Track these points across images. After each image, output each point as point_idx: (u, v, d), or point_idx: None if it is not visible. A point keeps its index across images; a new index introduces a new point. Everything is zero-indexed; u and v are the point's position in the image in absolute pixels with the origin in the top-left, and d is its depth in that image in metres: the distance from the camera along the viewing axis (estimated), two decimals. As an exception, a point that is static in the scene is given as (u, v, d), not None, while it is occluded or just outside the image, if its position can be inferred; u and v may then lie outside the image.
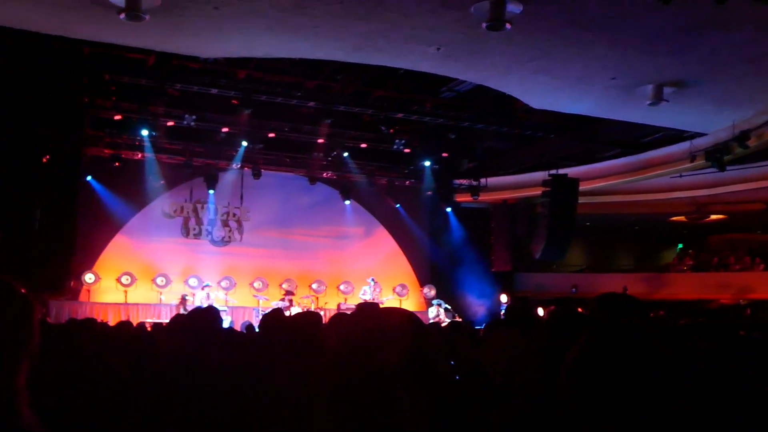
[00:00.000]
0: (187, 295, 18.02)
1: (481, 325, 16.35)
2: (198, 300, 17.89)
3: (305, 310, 18.01)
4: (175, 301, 18.28)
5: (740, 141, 14.09)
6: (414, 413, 2.65)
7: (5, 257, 16.33)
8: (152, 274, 19.43)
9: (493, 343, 3.41)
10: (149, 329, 10.11)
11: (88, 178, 18.88)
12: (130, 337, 6.20)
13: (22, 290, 1.71)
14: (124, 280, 18.99)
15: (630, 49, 10.32)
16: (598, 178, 19.31)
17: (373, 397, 2.56)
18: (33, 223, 14.07)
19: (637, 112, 13.70)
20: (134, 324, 12.60)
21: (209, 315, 3.86)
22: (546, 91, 12.73)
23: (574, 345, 1.63)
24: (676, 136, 16.51)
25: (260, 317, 17.44)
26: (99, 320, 15.81)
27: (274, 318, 5.47)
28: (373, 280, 19.71)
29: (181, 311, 16.83)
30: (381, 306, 3.62)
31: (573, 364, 1.59)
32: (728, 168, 15.59)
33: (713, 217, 23.36)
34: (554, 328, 2.62)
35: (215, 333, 3.71)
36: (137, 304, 18.68)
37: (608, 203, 21.57)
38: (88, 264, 19.04)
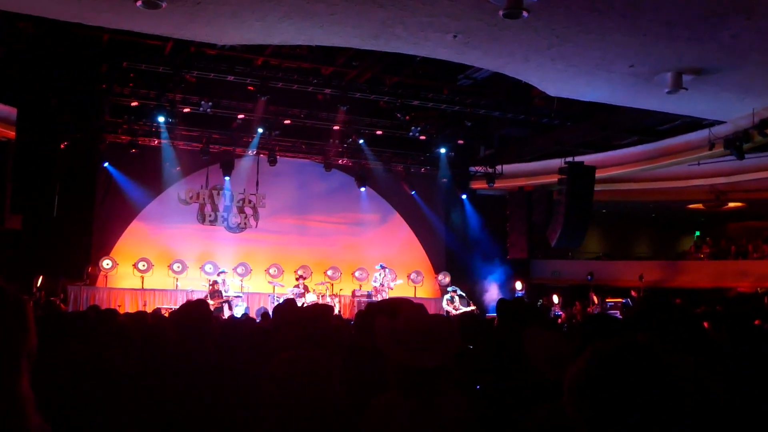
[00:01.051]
0: (217, 280, 17.84)
1: (495, 313, 16.38)
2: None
3: (319, 296, 18.08)
4: (191, 287, 18.36)
5: (760, 129, 13.96)
6: (452, 398, 2.67)
7: (25, 243, 16.50)
8: (168, 260, 19.53)
9: (537, 345, 3.47)
10: (167, 316, 10.15)
11: (106, 164, 19.00)
12: (143, 327, 6.22)
13: (15, 292, 1.69)
14: (141, 266, 19.10)
15: (649, 36, 10.20)
16: (615, 166, 19.22)
17: (424, 386, 2.58)
18: (51, 209, 14.15)
19: (655, 99, 13.56)
20: (150, 311, 12.72)
21: (197, 310, 3.84)
22: (564, 79, 12.62)
23: (574, 363, 1.61)
24: (694, 123, 16.38)
25: (275, 304, 17.54)
26: (116, 305, 16.03)
27: (286, 309, 5.48)
28: (382, 266, 19.64)
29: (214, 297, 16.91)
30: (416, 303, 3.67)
31: (573, 383, 1.58)
32: (747, 156, 15.45)
33: (731, 204, 23.20)
34: (589, 331, 2.63)
35: (205, 328, 3.70)
36: (154, 290, 18.79)
37: (625, 191, 21.47)
38: (106, 250, 19.18)
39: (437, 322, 2.89)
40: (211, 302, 16.74)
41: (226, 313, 15.78)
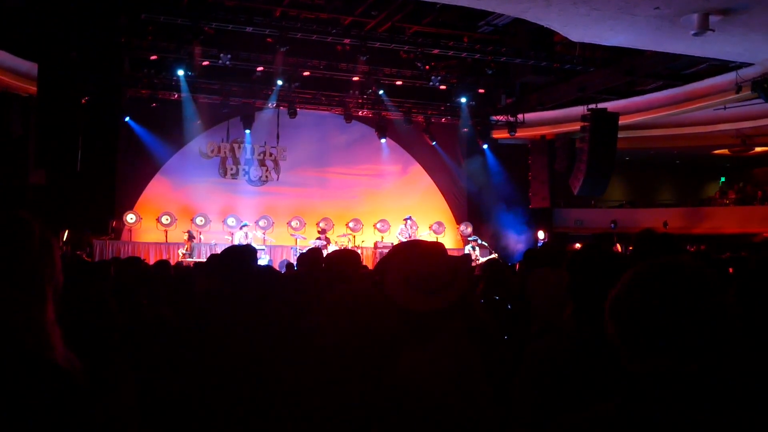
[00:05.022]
0: (192, 231, 18.25)
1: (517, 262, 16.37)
2: (236, 239, 18.12)
3: (341, 248, 18.15)
4: (215, 240, 18.48)
5: (789, 71, 13.68)
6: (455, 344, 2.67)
7: (50, 197, 16.66)
8: (191, 213, 19.66)
9: (538, 282, 3.41)
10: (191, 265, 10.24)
11: (127, 118, 19.03)
12: (170, 276, 6.26)
13: (40, 225, 1.72)
14: (164, 220, 19.25)
15: (675, -24, 9.97)
16: (639, 112, 18.98)
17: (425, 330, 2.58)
18: (75, 163, 14.23)
19: (681, 42, 13.28)
20: (173, 263, 12.85)
21: (243, 253, 3.85)
22: (586, 23, 12.38)
23: (620, 280, 1.59)
24: (721, 66, 16.05)
25: (298, 256, 17.68)
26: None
27: (312, 257, 5.53)
28: (410, 218, 19.71)
29: (188, 249, 17.23)
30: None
31: (619, 300, 1.56)
32: (775, 99, 15.18)
33: (758, 149, 22.86)
34: (582, 267, 2.60)
35: (250, 271, 3.71)
36: (177, 244, 18.94)
37: (649, 137, 21.24)
38: (129, 204, 19.35)
39: (443, 264, 2.84)
40: (182, 251, 17.12)
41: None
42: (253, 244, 18.05)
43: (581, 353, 2.32)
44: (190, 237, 18.03)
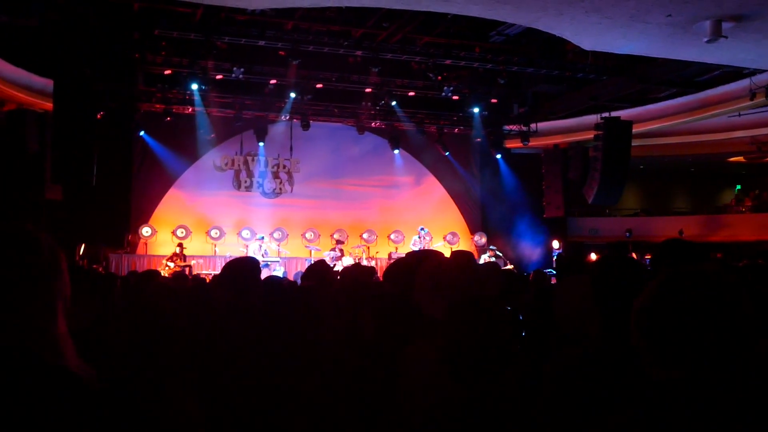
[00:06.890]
0: (183, 243, 18.31)
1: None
2: (251, 251, 18.16)
3: (356, 259, 18.18)
4: (230, 253, 18.52)
5: (803, 76, 13.60)
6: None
7: (65, 212, 16.79)
8: (206, 226, 19.76)
9: (565, 291, 3.39)
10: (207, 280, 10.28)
11: (142, 133, 19.17)
12: (187, 288, 6.30)
13: (47, 238, 1.73)
14: (179, 233, 19.34)
15: (687, -17, 9.94)
16: (652, 120, 18.91)
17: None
18: (91, 178, 14.35)
19: (693, 49, 13.22)
20: (190, 276, 12.91)
21: (247, 265, 3.86)
22: (598, 32, 12.35)
23: (645, 290, 1.59)
24: (735, 73, 15.99)
25: (306, 268, 17.69)
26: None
27: (319, 269, 5.54)
28: (423, 228, 19.73)
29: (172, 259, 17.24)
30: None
31: (644, 309, 1.56)
32: (790, 105, 15.11)
33: (773, 156, 22.69)
34: (606, 275, 2.60)
35: (254, 283, 3.72)
36: (193, 257, 19.01)
37: (663, 145, 21.14)
38: (144, 218, 19.47)
39: (473, 273, 2.86)
40: (170, 265, 17.11)
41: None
42: (269, 256, 18.15)
43: (607, 363, 2.31)
44: (181, 249, 17.88)
